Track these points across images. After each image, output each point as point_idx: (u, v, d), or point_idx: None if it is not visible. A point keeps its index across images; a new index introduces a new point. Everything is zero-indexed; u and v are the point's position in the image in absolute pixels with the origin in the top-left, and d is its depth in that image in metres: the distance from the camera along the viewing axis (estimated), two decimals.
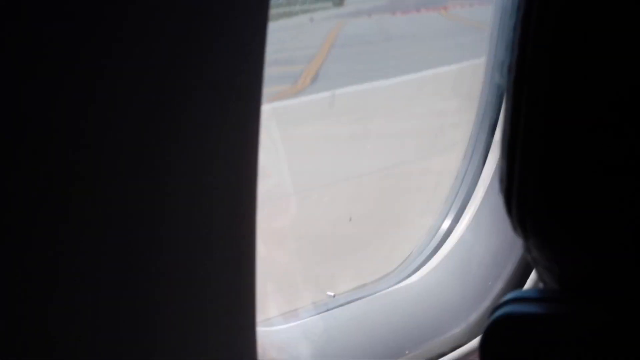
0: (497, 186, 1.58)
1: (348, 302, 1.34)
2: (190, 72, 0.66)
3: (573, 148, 0.53)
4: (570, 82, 0.53)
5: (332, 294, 1.33)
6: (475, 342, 1.48)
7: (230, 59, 0.67)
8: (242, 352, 0.73)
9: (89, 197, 0.62)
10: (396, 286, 1.44)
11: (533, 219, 0.56)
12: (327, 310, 1.29)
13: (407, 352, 1.36)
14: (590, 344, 0.57)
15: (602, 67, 0.52)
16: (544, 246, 0.57)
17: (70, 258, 0.62)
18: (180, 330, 0.70)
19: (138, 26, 0.62)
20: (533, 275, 1.53)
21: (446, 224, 1.56)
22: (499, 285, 1.53)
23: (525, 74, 0.54)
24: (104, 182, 0.63)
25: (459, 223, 1.56)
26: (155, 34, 0.63)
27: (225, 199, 0.71)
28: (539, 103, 0.54)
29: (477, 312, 1.51)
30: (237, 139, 0.70)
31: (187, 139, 0.67)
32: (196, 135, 0.67)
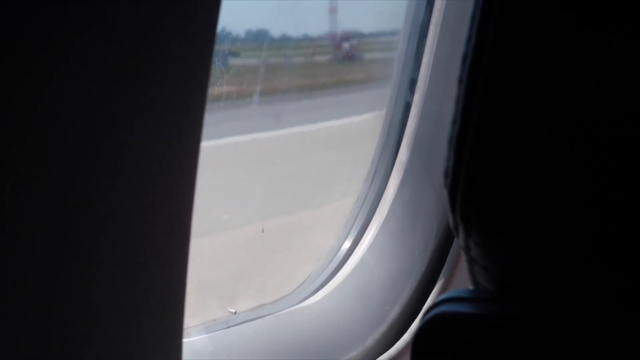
0: (397, 209, 1.58)
1: (249, 320, 1.32)
2: (136, 89, 0.64)
3: (526, 142, 0.52)
4: (529, 72, 0.51)
5: (233, 310, 1.31)
6: None
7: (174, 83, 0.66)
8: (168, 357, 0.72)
9: (22, 196, 0.59)
10: (296, 306, 1.42)
11: (478, 214, 0.54)
12: (228, 327, 1.27)
13: None
14: (522, 344, 0.55)
15: (562, 61, 0.50)
16: (485, 244, 0.55)
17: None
18: (109, 332, 0.68)
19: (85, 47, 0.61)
20: (429, 302, 1.54)
21: (346, 245, 1.55)
22: (395, 310, 1.54)
23: (482, 62, 0.52)
24: (42, 185, 0.60)
25: (359, 245, 1.55)
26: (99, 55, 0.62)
27: (164, 200, 0.69)
28: (495, 93, 0.52)
29: (373, 337, 1.51)
30: (175, 160, 0.69)
31: (130, 152, 0.65)
32: (137, 150, 0.66)
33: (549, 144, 0.51)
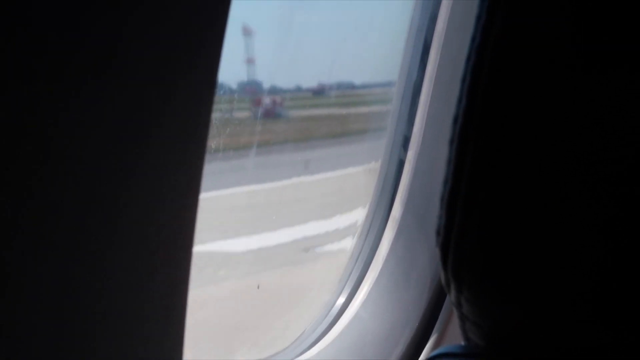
0: (391, 265, 1.59)
1: None
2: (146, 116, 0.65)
3: (516, 203, 0.53)
4: (518, 135, 0.53)
5: None
6: None
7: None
8: None
9: (31, 199, 0.60)
10: None
11: (469, 272, 0.55)
12: None
13: None
14: None
15: (551, 123, 0.52)
16: (477, 301, 0.56)
17: None
18: (110, 335, 0.68)
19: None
20: (422, 357, 1.54)
21: (340, 301, 1.56)
22: None
23: (472, 125, 0.53)
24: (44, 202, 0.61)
25: (353, 301, 1.56)
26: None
27: (169, 204, 0.70)
28: (485, 154, 0.53)
29: None
30: (178, 192, 0.70)
31: (136, 177, 0.66)
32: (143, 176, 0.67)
33: (538, 204, 0.53)
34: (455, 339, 1.50)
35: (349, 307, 1.54)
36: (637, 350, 0.53)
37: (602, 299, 0.53)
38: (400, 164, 1.54)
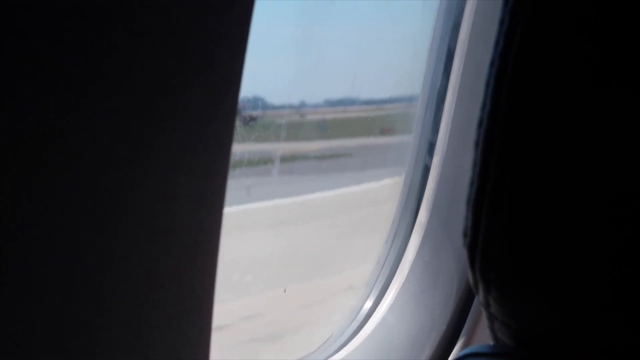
0: (418, 269, 1.59)
1: None
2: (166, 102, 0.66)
3: (542, 202, 0.54)
4: (543, 137, 0.54)
5: None
6: None
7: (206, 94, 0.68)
8: None
9: (47, 196, 0.61)
10: None
11: (497, 272, 0.56)
12: None
13: None
14: None
15: (575, 125, 0.53)
16: (504, 300, 0.57)
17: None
18: (128, 337, 0.69)
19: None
20: (451, 358, 1.54)
21: (367, 305, 1.57)
22: None
23: (496, 128, 0.54)
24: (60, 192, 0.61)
25: (380, 305, 1.56)
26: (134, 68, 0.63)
27: (193, 202, 0.70)
28: (510, 156, 0.54)
29: None
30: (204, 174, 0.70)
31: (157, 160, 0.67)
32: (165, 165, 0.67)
33: (565, 203, 0.53)
34: (483, 341, 1.50)
35: (376, 311, 1.55)
36: None
37: (634, 298, 0.53)
38: (426, 170, 1.55)
